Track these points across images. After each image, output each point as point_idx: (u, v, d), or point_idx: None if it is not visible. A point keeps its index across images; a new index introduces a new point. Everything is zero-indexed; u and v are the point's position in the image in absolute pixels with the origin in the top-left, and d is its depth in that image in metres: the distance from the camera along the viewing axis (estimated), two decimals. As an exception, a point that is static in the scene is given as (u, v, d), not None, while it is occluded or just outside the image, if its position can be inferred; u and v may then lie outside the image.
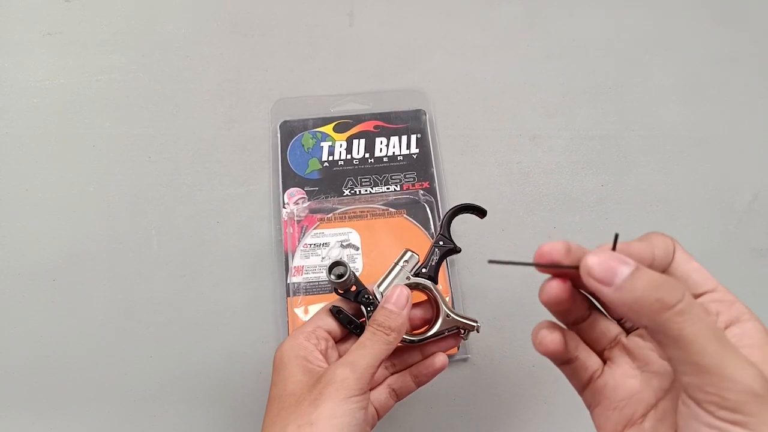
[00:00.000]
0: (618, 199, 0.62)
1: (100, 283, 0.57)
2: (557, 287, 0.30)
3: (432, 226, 0.58)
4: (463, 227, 0.60)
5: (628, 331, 0.33)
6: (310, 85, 0.67)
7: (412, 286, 0.43)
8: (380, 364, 0.38)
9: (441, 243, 0.45)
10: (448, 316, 0.43)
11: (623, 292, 0.25)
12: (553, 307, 0.31)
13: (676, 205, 0.61)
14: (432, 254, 0.44)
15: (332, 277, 0.41)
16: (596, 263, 0.26)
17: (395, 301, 0.40)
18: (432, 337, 0.43)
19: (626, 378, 0.31)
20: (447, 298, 0.55)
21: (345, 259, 0.56)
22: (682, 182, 0.63)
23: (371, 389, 0.42)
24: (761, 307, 0.58)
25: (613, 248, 0.28)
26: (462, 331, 0.44)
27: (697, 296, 0.29)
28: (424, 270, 0.44)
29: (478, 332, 0.43)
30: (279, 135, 0.63)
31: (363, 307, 0.42)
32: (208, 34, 0.70)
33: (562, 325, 0.33)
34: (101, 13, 0.71)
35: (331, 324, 0.42)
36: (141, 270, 0.57)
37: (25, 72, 0.67)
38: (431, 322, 0.44)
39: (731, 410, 0.24)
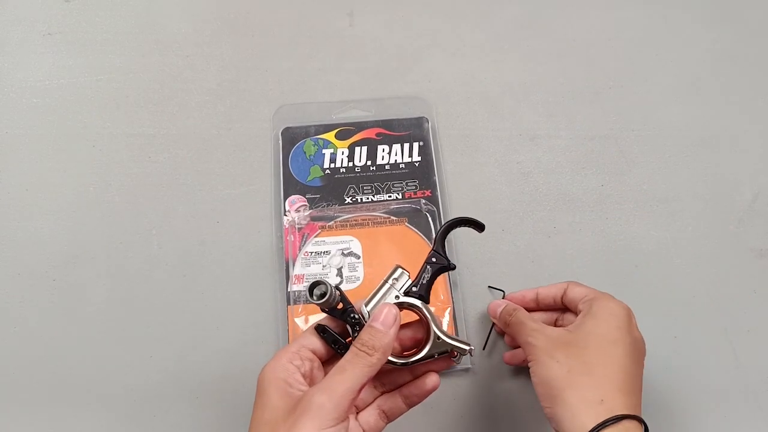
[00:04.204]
0: (618, 199, 0.62)
1: (99, 283, 0.57)
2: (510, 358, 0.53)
3: (434, 236, 0.58)
4: (462, 228, 0.59)
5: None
6: (310, 85, 0.67)
7: (401, 306, 0.41)
8: (362, 388, 0.37)
9: (434, 260, 0.43)
10: (438, 338, 0.41)
11: (496, 318, 0.51)
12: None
13: (676, 205, 0.61)
14: (424, 272, 0.42)
15: (314, 298, 0.39)
16: (490, 306, 0.52)
17: (383, 319, 0.38)
18: (420, 361, 0.41)
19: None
20: (448, 309, 0.55)
21: (345, 268, 0.56)
22: (682, 182, 0.63)
23: (359, 411, 0.41)
24: (761, 307, 0.58)
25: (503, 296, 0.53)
26: (454, 354, 0.42)
27: (579, 301, 0.48)
28: (414, 288, 0.42)
29: (471, 356, 0.42)
30: (281, 142, 0.63)
31: (349, 327, 0.40)
32: (208, 34, 0.70)
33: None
34: (101, 13, 0.71)
35: (317, 343, 0.40)
36: (141, 270, 0.57)
37: (25, 72, 0.67)
38: (422, 344, 0.42)
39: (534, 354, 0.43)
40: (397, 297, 0.41)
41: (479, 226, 0.45)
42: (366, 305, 0.40)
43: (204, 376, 0.53)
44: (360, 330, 0.39)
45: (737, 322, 0.56)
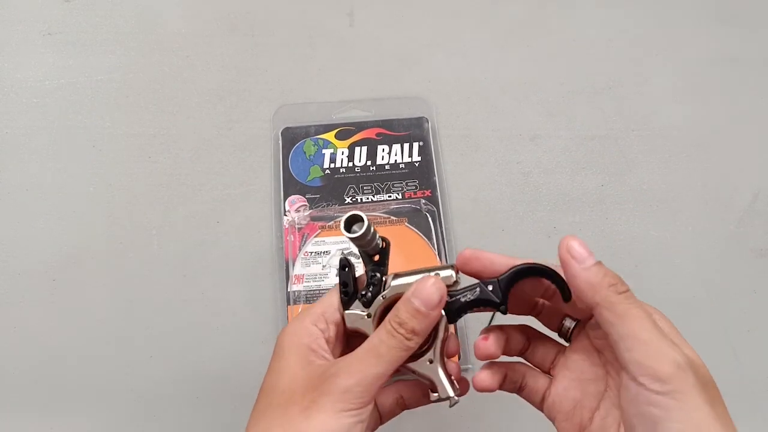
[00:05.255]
0: (618, 199, 0.62)
1: (100, 283, 0.56)
2: (484, 347, 0.36)
3: (434, 236, 0.58)
4: (462, 227, 0.60)
5: (569, 340, 0.37)
6: (311, 85, 0.67)
7: None
8: (392, 375, 0.32)
9: (489, 287, 0.35)
10: (431, 362, 0.35)
11: (589, 272, 0.32)
12: (487, 358, 0.36)
13: (676, 205, 0.61)
14: (469, 291, 0.35)
15: (350, 233, 0.33)
16: (577, 245, 0.33)
17: (426, 298, 0.32)
18: (399, 371, 0.34)
19: (568, 391, 0.35)
20: None
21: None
22: (682, 182, 0.63)
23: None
24: (761, 307, 0.58)
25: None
26: (434, 389, 0.35)
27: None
28: (449, 299, 0.35)
29: (449, 406, 0.35)
30: (281, 142, 0.63)
31: (365, 282, 0.36)
32: (208, 34, 0.70)
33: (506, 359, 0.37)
34: (101, 13, 0.71)
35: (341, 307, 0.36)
36: (141, 270, 0.57)
37: (25, 72, 0.67)
38: (415, 352, 0.35)
39: (662, 381, 0.28)
40: None
41: (565, 292, 0.35)
42: (394, 278, 0.35)
43: (204, 376, 0.53)
44: (373, 292, 0.35)
45: (737, 322, 0.56)
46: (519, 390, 0.37)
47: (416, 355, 0.35)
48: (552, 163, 0.63)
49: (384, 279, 0.35)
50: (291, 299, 0.55)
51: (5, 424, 0.52)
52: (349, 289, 0.36)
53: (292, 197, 0.60)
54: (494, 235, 0.59)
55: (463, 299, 0.35)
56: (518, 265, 0.35)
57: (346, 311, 0.36)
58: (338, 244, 0.57)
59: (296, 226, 0.58)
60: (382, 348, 0.32)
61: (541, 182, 0.62)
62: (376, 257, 0.35)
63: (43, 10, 0.71)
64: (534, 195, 0.62)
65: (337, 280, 0.36)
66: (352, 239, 0.33)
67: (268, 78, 0.67)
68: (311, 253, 0.57)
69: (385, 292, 0.35)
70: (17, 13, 0.70)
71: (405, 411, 0.40)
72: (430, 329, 0.33)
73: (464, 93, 0.67)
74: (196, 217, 0.60)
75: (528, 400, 0.37)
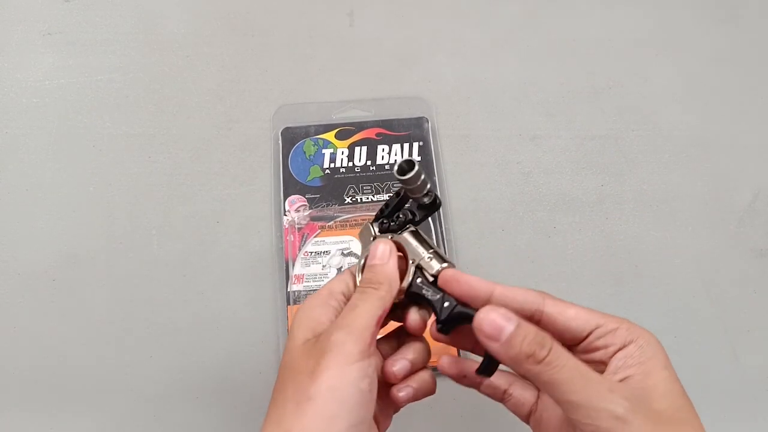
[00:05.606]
0: (618, 199, 0.62)
1: (99, 283, 0.56)
2: (447, 366, 0.38)
3: (434, 236, 0.58)
4: (462, 227, 0.60)
5: None
6: (311, 85, 0.67)
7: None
8: (378, 324, 0.34)
9: (446, 304, 0.36)
10: None
11: (505, 347, 0.30)
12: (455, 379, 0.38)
13: (676, 205, 0.61)
14: (433, 291, 0.37)
15: (403, 175, 0.36)
16: (488, 321, 0.31)
17: (379, 255, 0.37)
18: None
19: (555, 407, 0.34)
20: None
21: (345, 268, 0.55)
22: (682, 182, 0.63)
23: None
24: (761, 307, 0.58)
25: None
26: None
27: (582, 339, 0.33)
28: (419, 284, 0.37)
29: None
30: (281, 141, 0.63)
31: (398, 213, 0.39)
32: (208, 34, 0.70)
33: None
34: (101, 13, 0.71)
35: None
36: (141, 270, 0.57)
37: (25, 72, 0.67)
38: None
39: None
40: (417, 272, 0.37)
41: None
42: (410, 233, 0.39)
43: (204, 376, 0.53)
44: (391, 227, 0.39)
45: (737, 322, 0.56)
46: (503, 399, 0.37)
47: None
48: (552, 163, 0.63)
49: (407, 225, 0.39)
50: (291, 299, 0.55)
51: (5, 424, 0.52)
52: (385, 211, 0.40)
53: (292, 197, 0.60)
54: (494, 235, 0.59)
55: (424, 292, 0.37)
56: (474, 311, 0.33)
57: (371, 222, 0.41)
58: (338, 244, 0.57)
59: (296, 226, 0.58)
60: (357, 303, 0.35)
61: (541, 182, 0.62)
62: (426, 199, 0.39)
63: (43, 10, 0.71)
64: (534, 195, 0.62)
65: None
66: (401, 181, 0.37)
67: (268, 78, 0.67)
68: (311, 253, 0.57)
69: (395, 235, 0.39)
70: (17, 13, 0.70)
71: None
72: (395, 277, 0.36)
73: (464, 93, 0.67)
74: (196, 217, 0.60)
75: (513, 411, 0.37)
